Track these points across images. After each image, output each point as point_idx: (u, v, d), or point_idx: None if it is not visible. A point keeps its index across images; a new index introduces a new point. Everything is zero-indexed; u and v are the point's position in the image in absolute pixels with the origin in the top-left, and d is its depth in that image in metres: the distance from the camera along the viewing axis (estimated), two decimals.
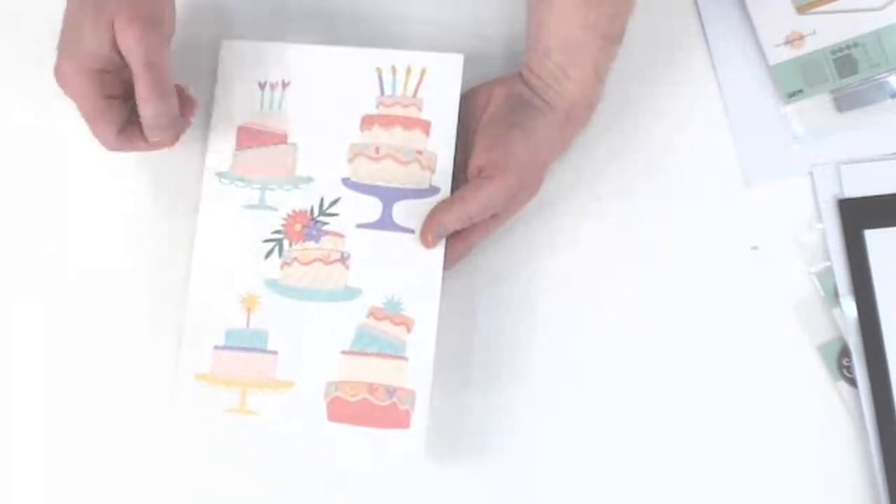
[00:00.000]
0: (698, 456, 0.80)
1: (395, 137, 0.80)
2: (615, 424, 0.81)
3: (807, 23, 0.84)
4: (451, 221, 0.77)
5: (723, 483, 0.80)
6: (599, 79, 0.79)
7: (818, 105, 0.84)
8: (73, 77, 0.74)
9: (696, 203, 0.84)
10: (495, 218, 0.79)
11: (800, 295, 0.82)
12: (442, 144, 0.79)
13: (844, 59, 0.83)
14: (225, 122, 0.81)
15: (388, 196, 0.79)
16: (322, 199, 0.80)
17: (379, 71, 0.81)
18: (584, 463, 0.81)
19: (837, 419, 0.80)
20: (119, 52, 0.74)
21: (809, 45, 0.84)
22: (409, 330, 0.77)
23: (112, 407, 0.82)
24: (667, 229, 0.84)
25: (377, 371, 0.77)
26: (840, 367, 0.81)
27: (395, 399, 0.77)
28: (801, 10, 0.84)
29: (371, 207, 0.79)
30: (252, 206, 0.80)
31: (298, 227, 0.79)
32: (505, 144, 0.77)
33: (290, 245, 0.79)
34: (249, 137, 0.81)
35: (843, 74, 0.83)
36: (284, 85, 0.81)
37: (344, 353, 0.78)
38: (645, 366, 0.82)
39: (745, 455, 0.80)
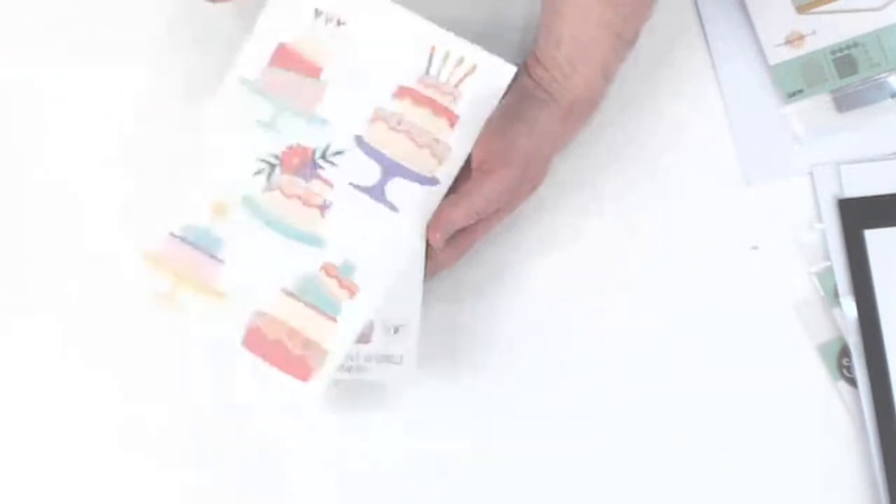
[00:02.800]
0: (698, 456, 0.80)
1: (421, 118, 0.79)
2: (615, 424, 0.81)
3: (807, 23, 0.84)
4: (459, 218, 0.77)
5: (723, 483, 0.80)
6: (607, 78, 0.78)
7: (818, 105, 0.84)
8: None
9: (696, 203, 0.84)
10: (498, 211, 0.79)
11: (800, 295, 0.82)
12: (461, 142, 0.79)
13: (844, 59, 0.83)
14: (268, 33, 0.80)
15: (390, 168, 0.79)
16: (328, 146, 0.79)
17: (433, 49, 0.80)
18: (582, 465, 0.81)
19: (837, 419, 0.80)
20: None
21: (809, 45, 0.84)
22: (350, 296, 0.77)
23: (109, 412, 0.83)
24: (667, 229, 0.84)
25: (304, 321, 0.77)
26: (840, 367, 0.81)
27: (307, 352, 0.77)
28: (801, 10, 0.85)
29: (370, 172, 0.79)
30: (262, 123, 0.79)
31: (296, 160, 0.79)
32: (508, 137, 0.77)
33: (281, 173, 0.79)
34: (286, 58, 0.80)
35: (843, 74, 0.84)
36: (340, 22, 0.80)
37: (283, 291, 0.78)
38: (645, 366, 0.82)
39: (745, 455, 0.80)
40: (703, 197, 0.84)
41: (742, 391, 0.81)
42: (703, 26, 0.86)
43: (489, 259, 0.83)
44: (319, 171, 0.79)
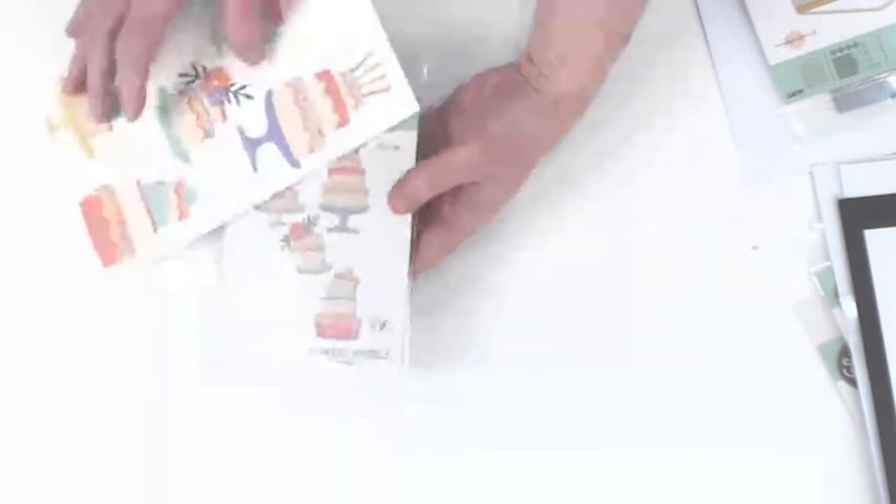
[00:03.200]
0: (698, 455, 0.80)
1: (322, 106, 0.80)
2: (615, 424, 0.81)
3: (807, 23, 0.84)
4: (419, 184, 0.77)
5: (723, 483, 0.80)
6: (598, 75, 0.78)
7: (818, 105, 0.84)
8: None
9: (695, 203, 0.84)
10: (478, 203, 0.78)
11: (800, 295, 0.82)
12: (336, 144, 0.80)
13: (844, 59, 0.83)
14: None
15: (273, 133, 0.80)
16: (245, 86, 0.81)
17: (368, 54, 0.80)
18: (584, 464, 0.81)
19: (837, 419, 0.80)
20: None
21: (809, 45, 0.84)
22: (179, 218, 0.80)
23: (112, 411, 0.83)
24: (666, 229, 0.84)
25: (135, 217, 0.81)
26: (840, 367, 0.81)
27: (121, 243, 0.81)
28: (801, 10, 0.85)
29: (258, 127, 0.80)
30: (215, 37, 0.81)
31: (216, 82, 0.81)
32: (477, 118, 0.77)
33: (198, 89, 0.81)
34: None
35: (843, 74, 0.84)
36: None
37: (137, 181, 0.81)
38: (645, 366, 0.82)
39: (745, 455, 0.80)
40: (702, 197, 0.84)
41: (742, 391, 0.81)
42: (703, 26, 0.86)
43: (487, 258, 0.83)
44: (225, 103, 0.81)
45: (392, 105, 0.79)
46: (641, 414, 0.81)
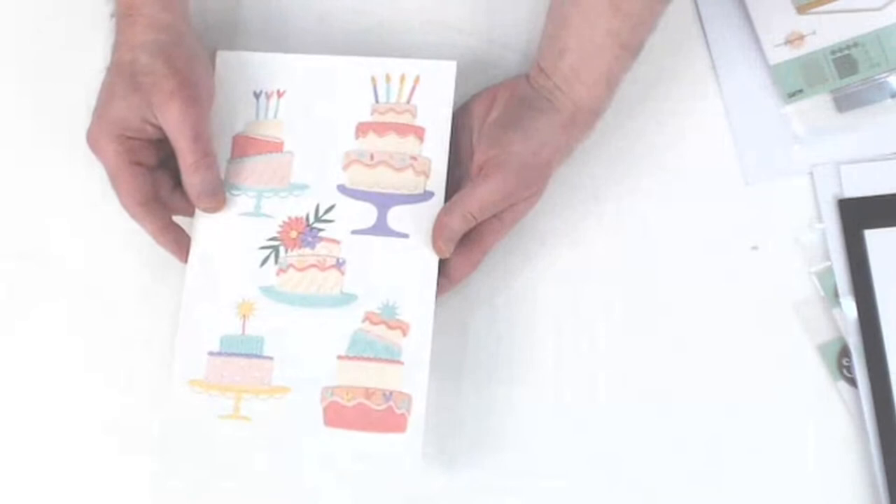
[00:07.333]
0: (698, 456, 0.80)
1: (390, 144, 0.80)
2: (615, 423, 0.81)
3: (807, 23, 0.84)
4: (455, 222, 0.77)
5: (723, 483, 0.80)
6: (610, 87, 0.78)
7: (818, 105, 0.84)
8: (101, 140, 0.77)
9: (696, 203, 0.84)
10: (501, 220, 0.79)
11: (800, 295, 0.82)
12: (436, 150, 0.80)
13: (844, 59, 0.83)
14: (220, 131, 0.81)
15: (383, 202, 0.79)
16: (318, 206, 0.80)
17: (373, 79, 0.81)
18: (584, 461, 0.81)
19: (837, 419, 0.80)
20: (151, 124, 0.76)
21: (809, 45, 0.84)
22: (404, 334, 0.77)
23: (105, 413, 0.83)
24: (667, 229, 0.84)
25: (373, 375, 0.77)
26: (840, 367, 0.81)
27: (391, 403, 0.77)
28: (801, 10, 0.85)
29: (366, 213, 0.79)
30: (247, 214, 0.80)
31: (294, 234, 0.79)
32: (504, 143, 0.77)
33: (286, 252, 0.79)
34: (244, 146, 0.81)
35: (843, 74, 0.84)
36: (279, 94, 0.82)
37: (340, 357, 0.78)
38: (645, 366, 0.82)
39: (745, 455, 0.80)
40: (703, 197, 0.84)
41: (742, 391, 0.81)
42: (703, 26, 0.86)
43: (487, 262, 0.82)
44: (320, 234, 0.79)
45: (436, 81, 0.80)
46: (641, 412, 0.81)
